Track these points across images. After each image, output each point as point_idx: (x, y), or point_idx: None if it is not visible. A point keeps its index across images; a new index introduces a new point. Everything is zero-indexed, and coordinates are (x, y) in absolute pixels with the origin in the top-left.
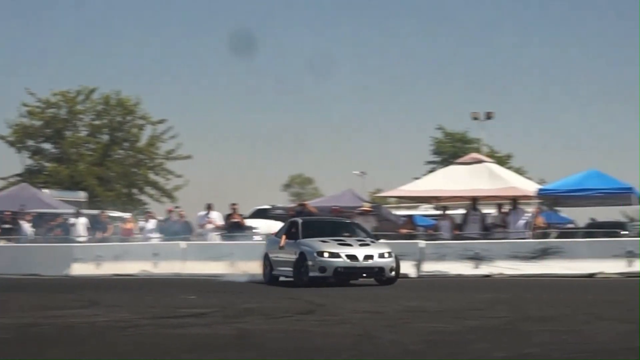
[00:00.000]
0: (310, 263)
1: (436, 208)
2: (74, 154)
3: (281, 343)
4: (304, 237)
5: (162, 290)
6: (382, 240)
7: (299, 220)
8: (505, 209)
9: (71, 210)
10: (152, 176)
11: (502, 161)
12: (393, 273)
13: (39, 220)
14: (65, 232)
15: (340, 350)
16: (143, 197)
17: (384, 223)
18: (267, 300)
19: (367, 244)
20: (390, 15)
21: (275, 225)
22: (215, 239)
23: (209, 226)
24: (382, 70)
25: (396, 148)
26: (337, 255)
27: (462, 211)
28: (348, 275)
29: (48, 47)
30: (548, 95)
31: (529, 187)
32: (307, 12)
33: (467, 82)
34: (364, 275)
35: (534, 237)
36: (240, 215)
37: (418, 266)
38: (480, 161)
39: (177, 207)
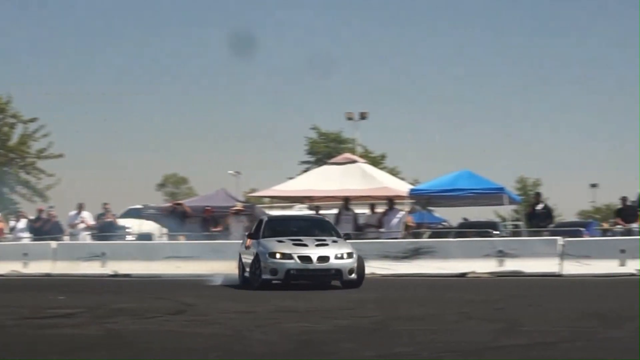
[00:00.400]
0: (262, 265)
1: (309, 208)
2: None
3: (150, 343)
4: (265, 236)
5: (31, 290)
6: (349, 241)
7: (264, 218)
8: (380, 209)
9: None
10: (23, 175)
11: (376, 161)
12: (354, 275)
13: None
14: None
15: (208, 350)
16: (14, 197)
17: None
18: (138, 301)
19: (326, 244)
20: (259, 11)
21: (147, 225)
22: (86, 238)
23: (81, 226)
24: (256, 69)
25: (271, 148)
26: (289, 257)
27: (335, 211)
28: (300, 278)
29: None
30: (422, 96)
31: (402, 187)
32: None
33: (341, 82)
34: (324, 277)
35: (407, 237)
36: (114, 214)
37: None
38: (353, 161)
39: (50, 207)
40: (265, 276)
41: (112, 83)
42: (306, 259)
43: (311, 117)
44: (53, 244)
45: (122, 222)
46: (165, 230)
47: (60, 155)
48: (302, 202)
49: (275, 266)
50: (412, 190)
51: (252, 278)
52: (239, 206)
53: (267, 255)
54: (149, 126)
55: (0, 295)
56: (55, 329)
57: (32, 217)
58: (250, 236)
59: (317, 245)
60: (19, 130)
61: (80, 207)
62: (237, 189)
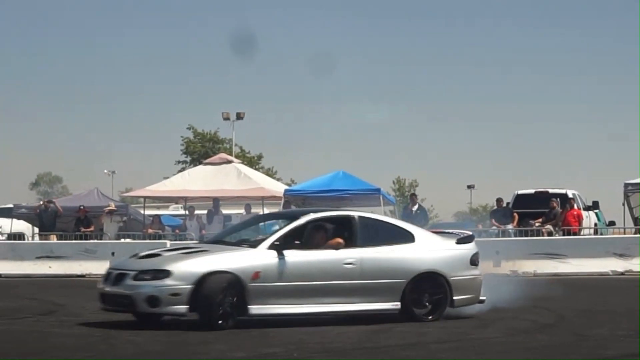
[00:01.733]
0: None
1: (184, 208)
2: None
3: (18, 344)
4: None
5: None
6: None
7: None
8: (255, 209)
9: None
10: None
11: (253, 162)
12: None
13: None
14: None
15: (77, 350)
16: None
17: (130, 222)
18: (8, 301)
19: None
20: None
21: (18, 224)
22: None
23: None
24: (136, 66)
25: (147, 147)
26: None
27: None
28: None
29: None
30: (300, 95)
31: (278, 187)
32: None
33: (218, 82)
34: None
35: None
36: None
37: None
38: (229, 161)
39: None
40: None
41: None
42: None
43: (187, 116)
44: None
45: None
46: (37, 229)
47: None
48: (177, 202)
49: None
50: (287, 190)
51: None
52: (112, 206)
53: None
54: (23, 123)
55: None
56: None
57: None
58: None
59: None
60: None
61: None
62: (113, 189)
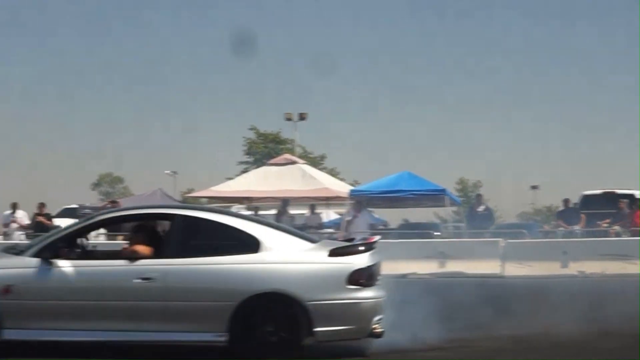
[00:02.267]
0: None
1: (248, 209)
2: None
3: None
4: None
5: None
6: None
7: None
8: (319, 210)
9: None
10: None
11: (316, 162)
12: None
13: None
14: None
15: None
16: None
17: None
18: None
19: None
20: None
21: None
22: (20, 238)
23: (14, 225)
24: (199, 67)
25: (209, 148)
26: None
27: (272, 212)
28: None
29: None
30: (362, 96)
31: (342, 188)
32: None
33: (281, 83)
34: None
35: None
36: (47, 215)
37: None
38: (293, 162)
39: None
40: None
41: (48, 80)
42: None
43: (250, 117)
44: None
45: (57, 221)
46: (101, 230)
47: None
48: (240, 203)
49: None
50: (352, 191)
51: None
52: None
53: None
54: (85, 124)
55: None
56: None
57: None
58: None
59: None
60: None
61: (14, 207)
62: (175, 189)
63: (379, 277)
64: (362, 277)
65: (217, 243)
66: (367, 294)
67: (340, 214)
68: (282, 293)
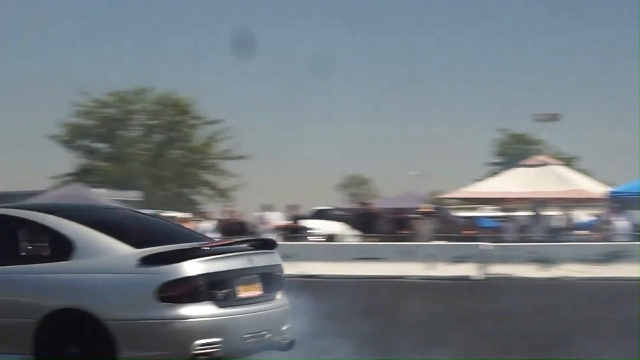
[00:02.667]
0: None
1: (502, 210)
2: (127, 153)
3: None
4: None
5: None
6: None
7: None
8: (574, 211)
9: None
10: (206, 176)
11: (568, 163)
12: None
13: None
14: None
15: None
16: (197, 197)
17: (445, 225)
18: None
19: None
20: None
21: (334, 226)
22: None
23: (268, 227)
24: (442, 69)
25: (454, 149)
26: None
27: (525, 213)
28: None
29: (103, 47)
30: (616, 95)
31: (596, 189)
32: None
33: (529, 83)
34: None
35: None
36: (298, 217)
37: (482, 268)
38: (546, 163)
39: (231, 207)
40: None
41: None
42: None
43: (495, 117)
44: None
45: (309, 223)
46: (352, 231)
47: (243, 157)
48: (491, 204)
49: None
50: (612, 192)
51: None
52: (425, 208)
53: None
54: (332, 127)
55: None
56: None
57: (216, 217)
58: None
59: None
60: (203, 131)
61: (267, 209)
62: (423, 191)
63: (223, 290)
64: (175, 291)
65: (26, 247)
66: (183, 312)
67: (595, 215)
68: (77, 309)
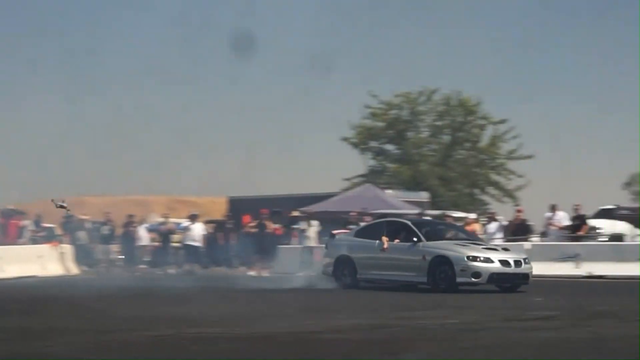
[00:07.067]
0: (459, 268)
1: None
2: (415, 154)
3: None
4: (428, 240)
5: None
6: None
7: (408, 222)
8: None
9: (415, 211)
10: (493, 176)
11: None
12: (529, 280)
13: None
14: None
15: None
16: (484, 198)
17: None
18: (620, 304)
19: (507, 249)
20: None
21: (620, 225)
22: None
23: (554, 227)
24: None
25: None
26: (489, 260)
27: None
28: (501, 281)
29: (390, 49)
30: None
31: None
32: None
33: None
34: (516, 281)
35: None
36: (582, 216)
37: None
38: None
39: (518, 207)
40: (462, 279)
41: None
42: (505, 262)
43: None
44: (526, 244)
45: (594, 222)
46: (638, 230)
47: (530, 156)
48: None
49: (477, 269)
50: None
51: (432, 281)
52: None
53: (464, 259)
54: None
55: (476, 295)
56: (536, 332)
57: (502, 218)
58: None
59: (503, 249)
60: (489, 131)
61: (554, 208)
62: None
63: None
64: None
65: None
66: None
67: None
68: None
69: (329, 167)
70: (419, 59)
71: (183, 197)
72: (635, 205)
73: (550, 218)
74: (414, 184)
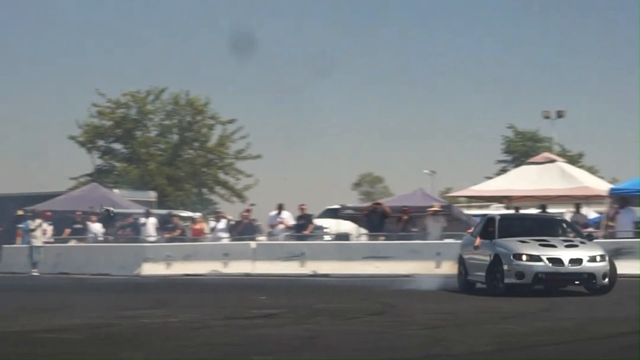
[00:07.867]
0: (505, 267)
1: (507, 208)
2: (144, 153)
3: (351, 344)
4: (501, 236)
5: (233, 290)
6: (596, 241)
7: (497, 216)
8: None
9: (141, 210)
10: (222, 176)
11: (574, 160)
12: (606, 280)
13: (109, 220)
14: (136, 232)
15: (412, 350)
16: (213, 197)
17: (455, 223)
18: (338, 301)
19: (575, 245)
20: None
21: (345, 225)
22: (286, 239)
23: (280, 226)
24: (453, 68)
25: (465, 147)
26: (537, 259)
27: (534, 211)
28: (550, 283)
29: (117, 47)
30: (621, 92)
31: (601, 186)
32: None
33: (538, 81)
34: (576, 282)
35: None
36: (308, 216)
37: None
38: (552, 160)
39: (252, 204)
40: (509, 280)
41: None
42: (556, 261)
43: (506, 115)
44: (252, 244)
45: (319, 222)
46: (362, 230)
47: (258, 156)
48: (499, 202)
49: (521, 269)
50: (612, 189)
51: (490, 283)
52: (436, 206)
53: (511, 257)
54: (343, 125)
55: (202, 294)
56: (257, 329)
57: (230, 217)
58: (481, 236)
59: (567, 246)
60: (217, 131)
61: (280, 208)
62: (432, 189)
63: None
64: None
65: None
66: None
67: (600, 213)
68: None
69: (55, 166)
70: (147, 58)
71: None
72: (360, 205)
73: (275, 217)
74: (142, 184)
